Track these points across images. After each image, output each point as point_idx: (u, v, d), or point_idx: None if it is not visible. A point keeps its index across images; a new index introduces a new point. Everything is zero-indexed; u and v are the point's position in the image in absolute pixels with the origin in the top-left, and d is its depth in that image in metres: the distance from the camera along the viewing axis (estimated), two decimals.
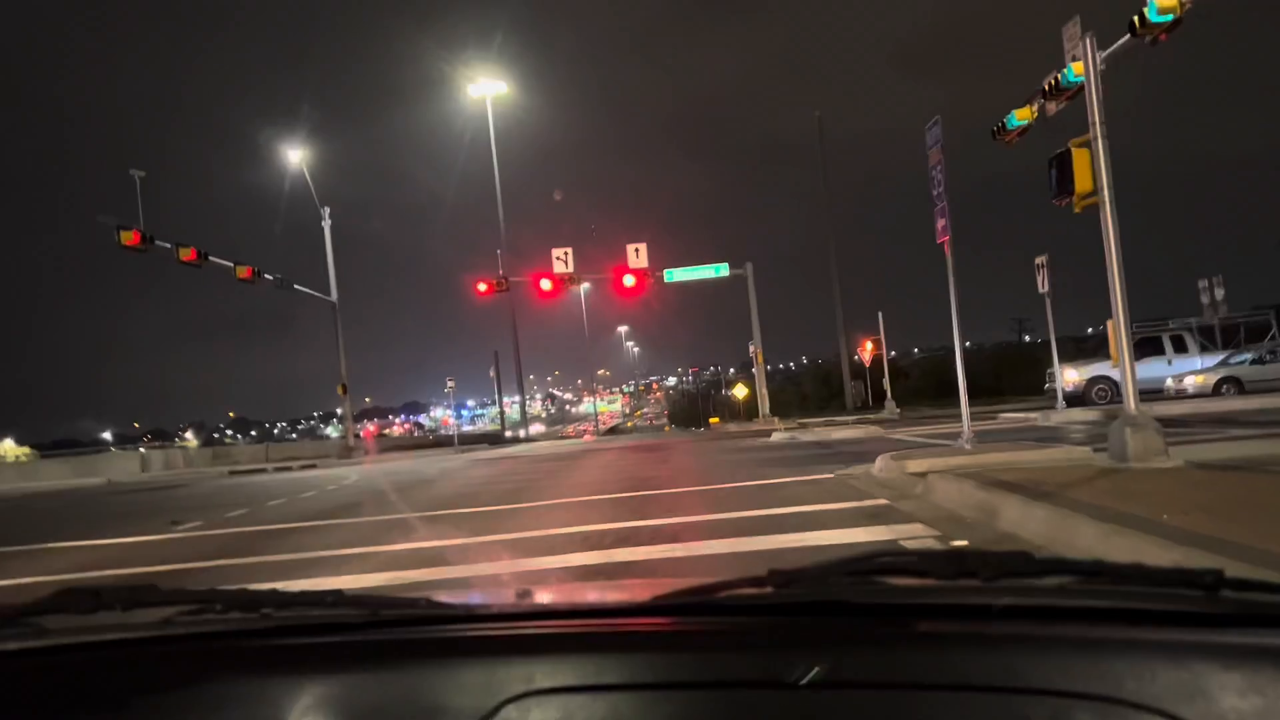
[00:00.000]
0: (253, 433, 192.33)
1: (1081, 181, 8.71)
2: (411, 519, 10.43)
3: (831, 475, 11.28)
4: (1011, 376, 40.11)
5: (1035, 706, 1.01)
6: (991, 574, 1.17)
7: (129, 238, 24.81)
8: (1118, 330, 8.43)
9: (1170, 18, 12.05)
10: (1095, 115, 8.57)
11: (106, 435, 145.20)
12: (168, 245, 26.49)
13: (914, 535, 6.68)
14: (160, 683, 1.28)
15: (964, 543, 6.18)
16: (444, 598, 1.49)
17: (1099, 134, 8.52)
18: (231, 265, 29.38)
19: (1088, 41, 8.95)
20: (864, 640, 1.15)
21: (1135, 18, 12.14)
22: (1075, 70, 15.28)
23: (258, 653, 1.32)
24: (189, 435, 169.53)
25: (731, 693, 1.11)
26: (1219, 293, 29.41)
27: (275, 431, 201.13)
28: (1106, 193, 8.46)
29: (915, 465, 10.60)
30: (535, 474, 16.69)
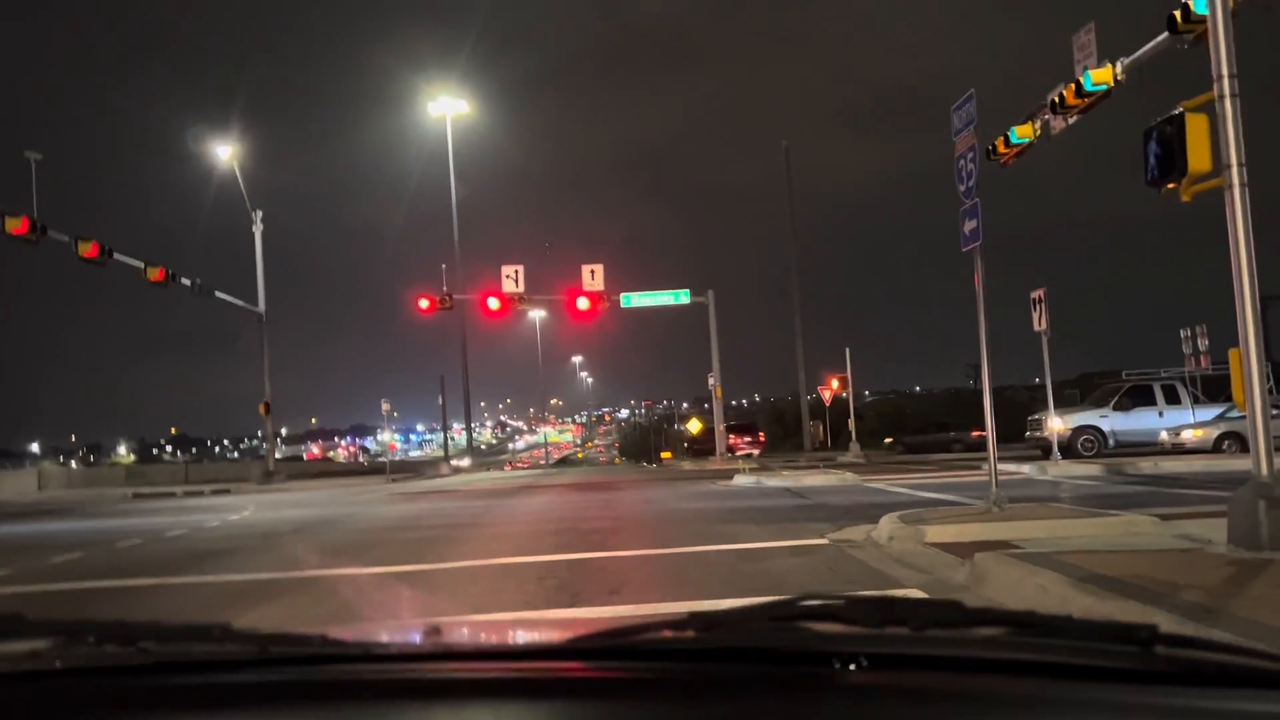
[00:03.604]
0: (193, 449, 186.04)
1: (1197, 158, 6.35)
2: (260, 584, 7.71)
3: (825, 540, 8.78)
4: (965, 424, 38.60)
5: None
6: (921, 623, 1.12)
7: (15, 225, 21.72)
8: (1246, 363, 6.03)
9: None
10: (1224, 67, 6.18)
11: (34, 447, 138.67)
12: (64, 238, 23.44)
13: None
14: None
15: None
16: (341, 635, 1.32)
17: (1228, 91, 6.14)
18: (141, 265, 26.31)
19: None
20: (788, 689, 1.07)
21: (1177, 12, 10.05)
22: (1095, 78, 13.04)
23: (135, 692, 1.17)
24: (122, 450, 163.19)
25: None
26: (1203, 343, 27.69)
27: (217, 450, 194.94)
28: (1236, 172, 6.08)
29: (938, 533, 8.14)
30: (456, 518, 13.97)
